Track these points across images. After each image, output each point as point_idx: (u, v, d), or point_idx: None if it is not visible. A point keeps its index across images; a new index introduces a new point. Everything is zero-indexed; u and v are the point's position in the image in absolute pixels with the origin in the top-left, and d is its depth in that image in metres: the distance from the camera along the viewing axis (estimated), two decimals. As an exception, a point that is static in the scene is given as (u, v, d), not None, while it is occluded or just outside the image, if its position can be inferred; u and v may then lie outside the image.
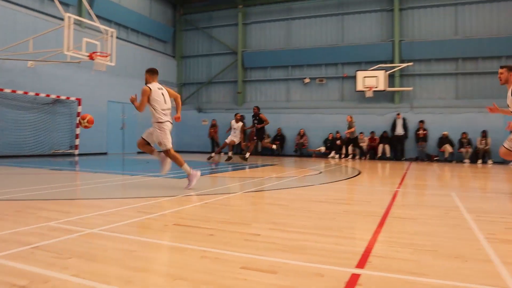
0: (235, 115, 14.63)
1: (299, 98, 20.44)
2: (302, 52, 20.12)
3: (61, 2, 13.38)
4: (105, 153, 17.70)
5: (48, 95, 14.85)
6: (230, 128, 14.66)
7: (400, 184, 7.83)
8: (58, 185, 6.74)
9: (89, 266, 2.51)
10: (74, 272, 2.36)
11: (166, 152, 6.50)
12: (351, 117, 17.26)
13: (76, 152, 15.96)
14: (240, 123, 14.47)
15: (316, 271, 2.47)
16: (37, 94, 14.39)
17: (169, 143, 6.44)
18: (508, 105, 6.18)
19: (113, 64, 13.21)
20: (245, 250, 2.92)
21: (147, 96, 6.33)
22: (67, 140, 15.82)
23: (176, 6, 22.90)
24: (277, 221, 4.00)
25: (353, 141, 17.42)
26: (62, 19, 12.38)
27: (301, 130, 19.19)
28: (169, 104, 6.55)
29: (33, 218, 3.97)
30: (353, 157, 17.50)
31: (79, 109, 15.88)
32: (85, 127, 7.39)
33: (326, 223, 4.02)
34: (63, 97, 15.44)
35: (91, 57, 12.40)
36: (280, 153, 19.44)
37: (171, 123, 6.57)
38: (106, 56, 12.85)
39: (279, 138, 19.63)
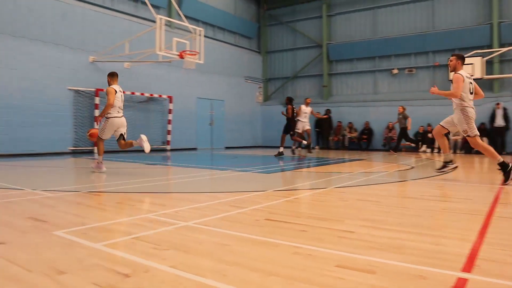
0: (305, 99, 14.18)
1: (387, 90, 19.63)
2: (390, 42, 19.25)
3: (152, 5, 14.10)
4: (194, 149, 18.42)
5: (142, 94, 15.77)
6: (295, 114, 13.78)
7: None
8: (153, 179, 7.10)
9: (185, 258, 2.58)
10: (171, 264, 2.43)
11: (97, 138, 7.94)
12: (403, 108, 16.12)
13: (168, 147, 16.79)
14: (309, 108, 13.98)
15: (417, 272, 2.31)
16: (133, 93, 15.32)
17: (103, 135, 7.91)
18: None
19: (201, 62, 13.69)
20: (339, 247, 2.83)
21: (113, 95, 7.70)
22: (160, 136, 16.69)
23: (260, 1, 23.10)
24: (370, 218, 3.84)
25: (403, 133, 16.21)
26: (154, 21, 13.06)
27: (390, 124, 18.40)
28: (123, 103, 8.00)
29: (132, 210, 4.20)
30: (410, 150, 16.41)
31: (171, 106, 16.66)
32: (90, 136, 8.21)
33: (424, 221, 3.78)
34: (156, 95, 16.30)
35: (181, 56, 12.95)
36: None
37: (119, 118, 7.91)
38: (195, 54, 13.34)
39: (367, 132, 19.04)
